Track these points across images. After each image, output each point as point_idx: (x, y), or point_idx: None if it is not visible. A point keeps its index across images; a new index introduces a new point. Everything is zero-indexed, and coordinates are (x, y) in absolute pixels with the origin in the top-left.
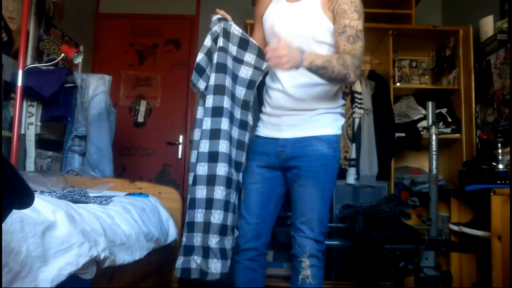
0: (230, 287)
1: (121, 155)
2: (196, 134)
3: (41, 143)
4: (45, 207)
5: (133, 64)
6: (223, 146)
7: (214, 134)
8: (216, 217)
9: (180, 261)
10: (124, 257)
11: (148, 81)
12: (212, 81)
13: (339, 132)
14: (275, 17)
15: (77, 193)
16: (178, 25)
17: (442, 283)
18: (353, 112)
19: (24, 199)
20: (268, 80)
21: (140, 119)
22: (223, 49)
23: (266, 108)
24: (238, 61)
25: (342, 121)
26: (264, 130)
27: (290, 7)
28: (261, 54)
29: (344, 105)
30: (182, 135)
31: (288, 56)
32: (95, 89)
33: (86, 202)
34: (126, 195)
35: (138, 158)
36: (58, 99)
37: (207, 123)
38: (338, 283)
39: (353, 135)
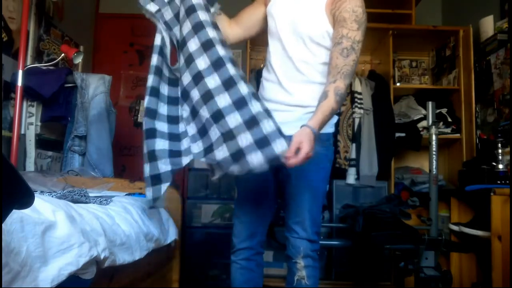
0: (229, 287)
1: (121, 155)
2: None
3: (41, 143)
4: (45, 207)
5: (133, 64)
6: None
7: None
8: None
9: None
10: (124, 257)
11: None
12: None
13: (331, 130)
14: (279, 11)
15: (77, 193)
16: None
17: (442, 283)
18: (353, 112)
19: (24, 199)
20: (264, 71)
21: (140, 119)
22: None
23: None
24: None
25: (334, 119)
26: None
27: (295, 2)
28: None
29: (344, 105)
30: None
31: (303, 145)
32: (95, 89)
33: (86, 202)
34: (126, 195)
35: (138, 158)
36: (58, 99)
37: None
38: (338, 283)
39: (353, 135)
